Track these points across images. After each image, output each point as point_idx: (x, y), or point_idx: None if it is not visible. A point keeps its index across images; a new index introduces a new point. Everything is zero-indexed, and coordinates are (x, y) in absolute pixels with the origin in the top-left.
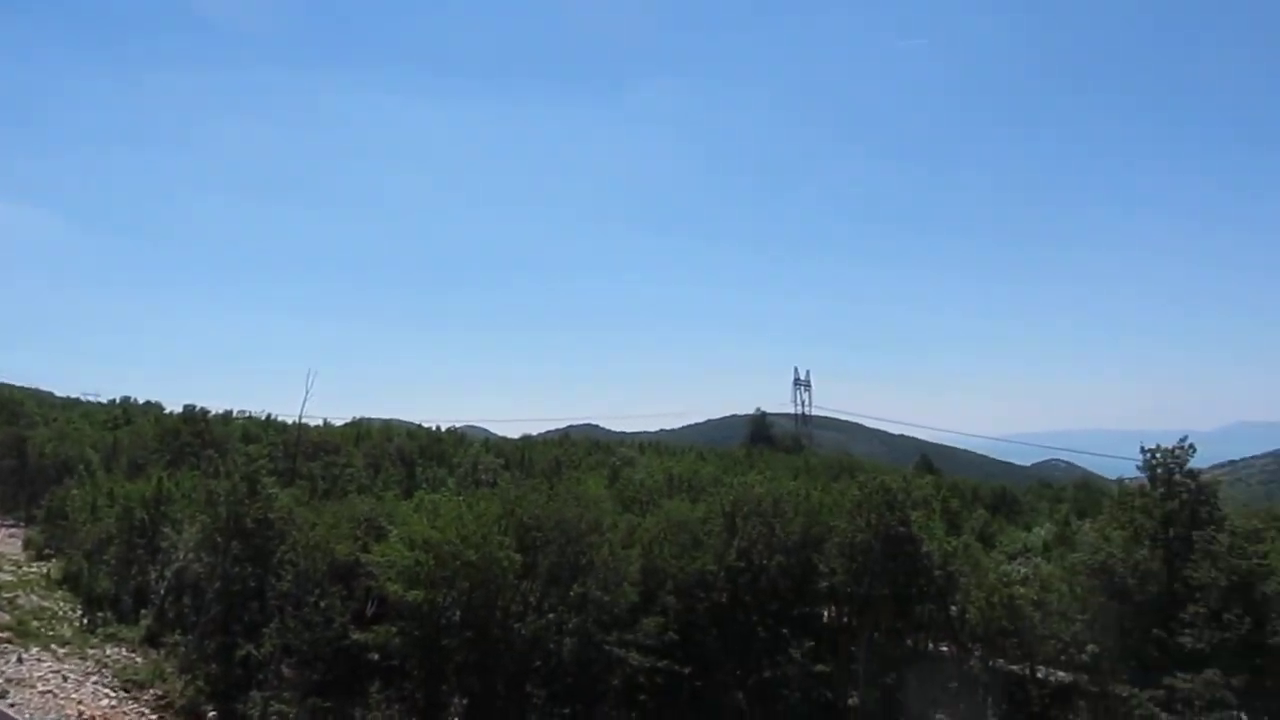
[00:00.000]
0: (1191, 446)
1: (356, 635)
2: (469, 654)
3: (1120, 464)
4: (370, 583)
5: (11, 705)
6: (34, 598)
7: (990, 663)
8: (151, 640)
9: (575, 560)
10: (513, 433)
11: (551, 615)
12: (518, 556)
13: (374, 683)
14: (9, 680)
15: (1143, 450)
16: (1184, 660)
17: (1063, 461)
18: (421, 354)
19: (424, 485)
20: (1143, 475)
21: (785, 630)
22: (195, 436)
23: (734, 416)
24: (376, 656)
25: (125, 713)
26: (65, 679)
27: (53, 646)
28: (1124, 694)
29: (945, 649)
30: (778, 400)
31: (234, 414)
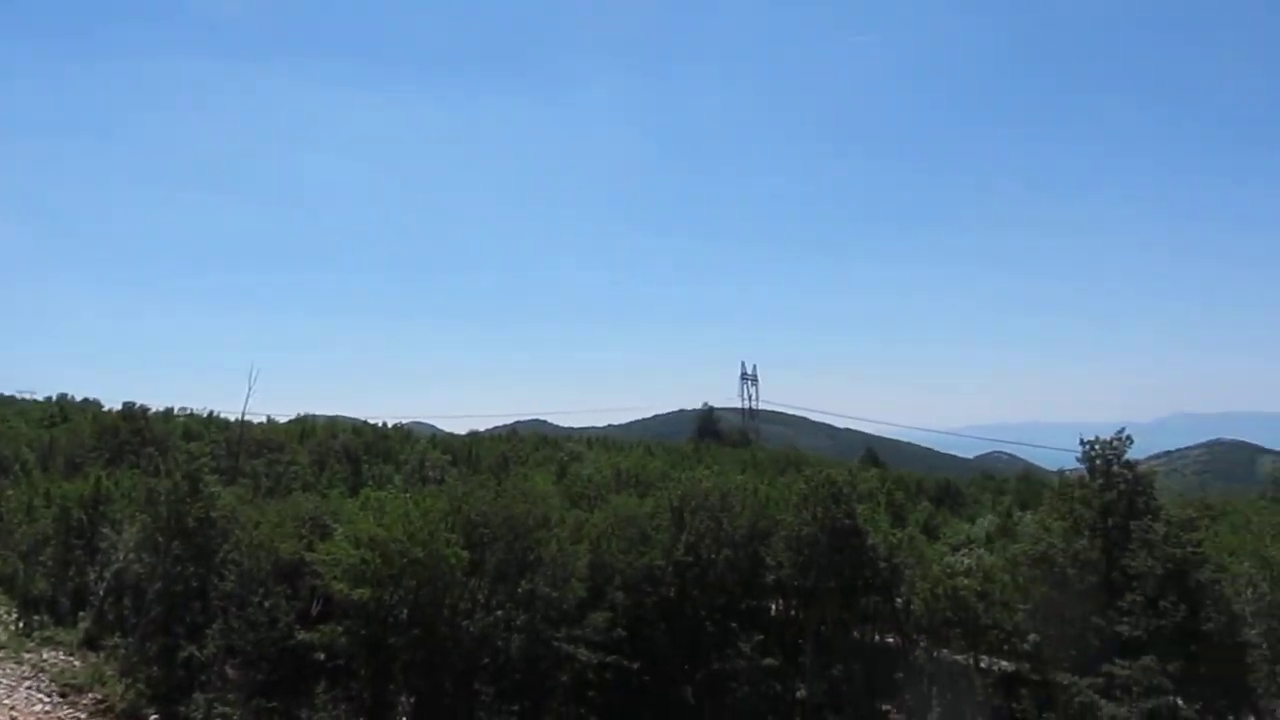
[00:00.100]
0: (1129, 438)
1: (302, 635)
2: (416, 652)
3: (1061, 456)
4: (315, 582)
5: None
6: None
7: (935, 653)
8: (90, 643)
9: (523, 557)
10: (460, 429)
11: (499, 612)
12: (465, 554)
13: (320, 683)
14: None
15: (1082, 442)
16: (1122, 647)
17: (1005, 454)
18: (367, 349)
19: (370, 483)
20: (1082, 467)
21: (734, 624)
22: (135, 434)
23: (682, 411)
24: (322, 656)
25: (61, 718)
26: None
27: None
28: (1065, 681)
29: (891, 640)
30: (725, 395)
31: (175, 411)
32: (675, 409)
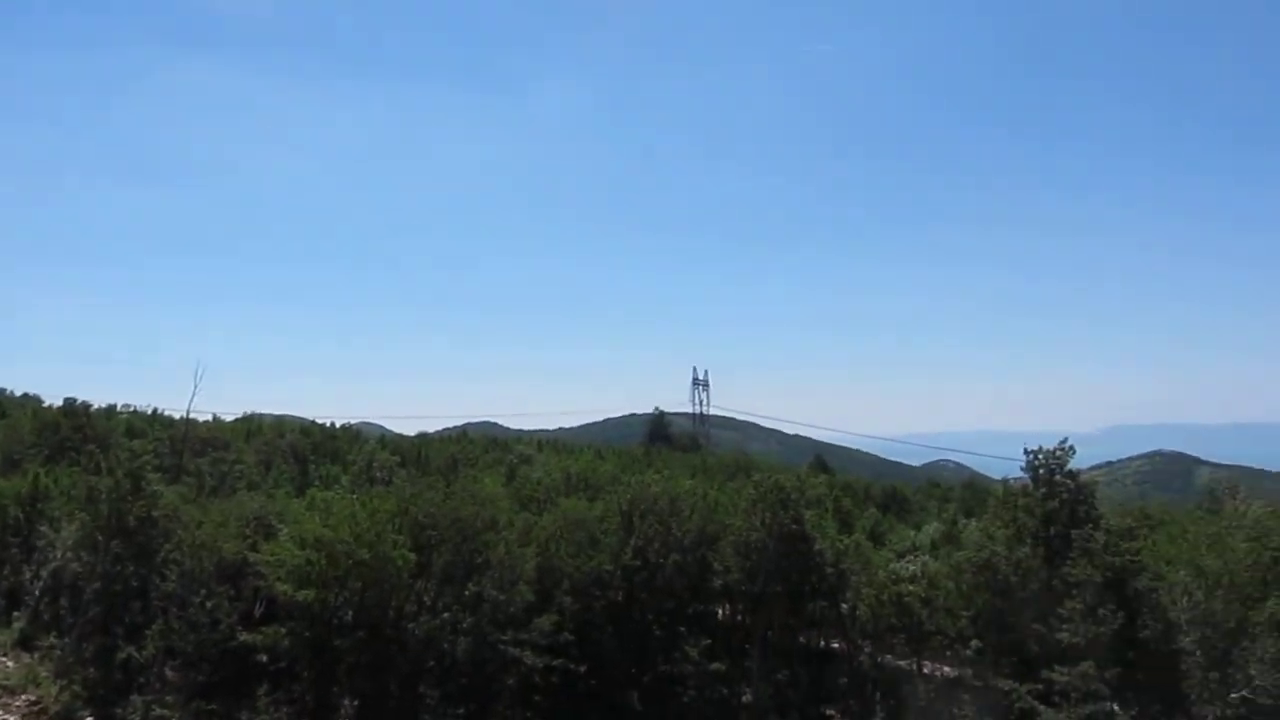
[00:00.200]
0: (1071, 448)
1: (244, 636)
2: (361, 655)
3: (1006, 464)
4: (259, 583)
5: None
6: None
7: (879, 658)
8: (25, 644)
9: (470, 559)
10: (409, 430)
11: (446, 615)
12: (412, 555)
13: (262, 685)
14: None
15: (1026, 452)
16: (1061, 654)
17: (952, 462)
18: (317, 349)
19: (317, 483)
20: (1026, 476)
21: (681, 628)
22: (76, 431)
23: (633, 415)
24: (265, 658)
25: None
26: None
27: None
28: (1005, 687)
29: (836, 645)
30: (676, 400)
31: (118, 408)
32: (626, 413)
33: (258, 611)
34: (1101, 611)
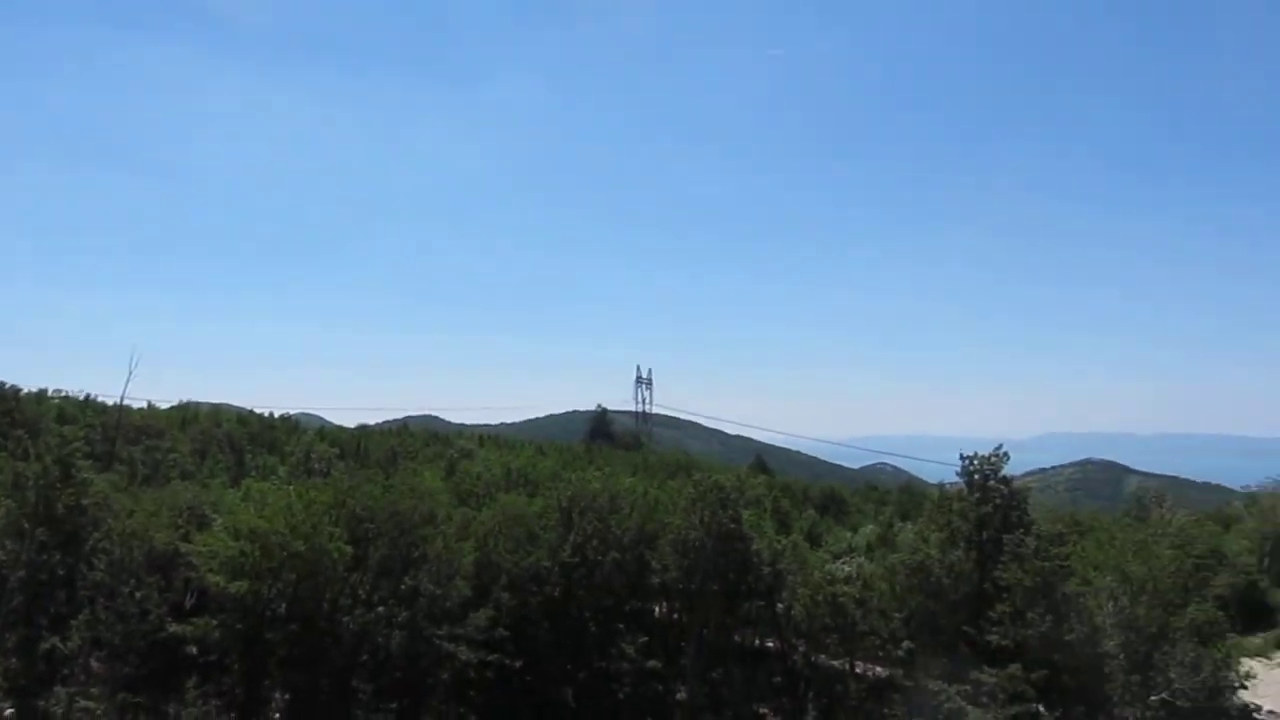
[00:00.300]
0: (1006, 454)
1: (174, 628)
2: (293, 648)
3: (942, 469)
4: (191, 574)
5: None
6: None
7: (813, 658)
8: None
9: (408, 553)
10: (349, 422)
11: (381, 608)
12: (348, 548)
13: (191, 677)
14: None
15: (962, 457)
16: (991, 656)
17: (890, 465)
18: (256, 337)
19: (253, 473)
20: (961, 480)
21: (619, 625)
22: (4, 415)
23: (576, 412)
24: (195, 650)
25: None
26: None
27: None
28: (935, 688)
29: (771, 644)
30: (620, 398)
31: (49, 393)
32: (569, 409)
33: (188, 603)
34: (1030, 615)
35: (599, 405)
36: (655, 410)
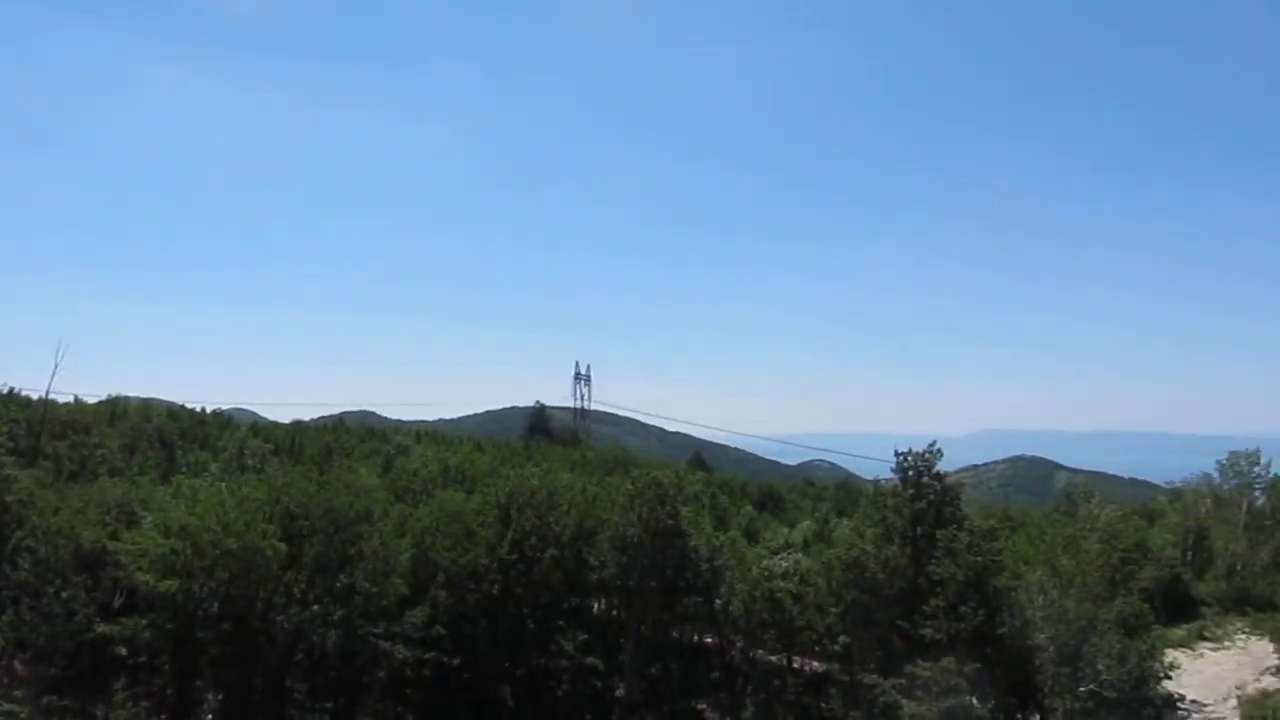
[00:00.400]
0: (939, 451)
1: (102, 628)
2: (226, 647)
3: (878, 465)
4: (119, 573)
5: None
6: None
7: (751, 653)
8: None
9: (343, 550)
10: (284, 417)
11: (316, 607)
12: (282, 546)
13: (120, 679)
14: None
15: (896, 453)
16: (925, 650)
17: (826, 462)
18: (187, 330)
19: (184, 470)
20: (896, 477)
21: (559, 622)
22: None
23: (513, 408)
24: (124, 651)
25: None
26: None
27: None
28: (870, 682)
29: (709, 640)
30: (558, 394)
31: None
32: (507, 405)
33: (117, 602)
34: (963, 609)
35: (537, 401)
36: (594, 407)
